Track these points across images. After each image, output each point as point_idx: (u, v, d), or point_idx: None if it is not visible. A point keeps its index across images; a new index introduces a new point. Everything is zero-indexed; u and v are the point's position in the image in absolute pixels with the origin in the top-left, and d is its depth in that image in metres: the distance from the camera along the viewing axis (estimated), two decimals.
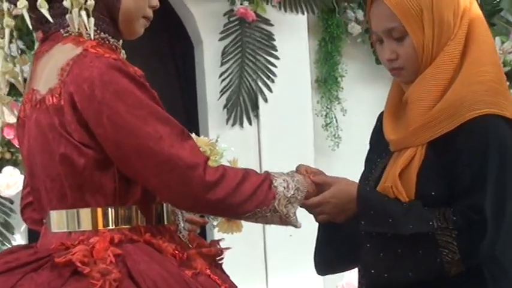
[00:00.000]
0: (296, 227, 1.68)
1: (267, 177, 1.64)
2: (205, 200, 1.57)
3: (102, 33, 1.63)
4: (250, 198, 1.60)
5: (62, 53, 1.60)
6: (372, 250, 1.65)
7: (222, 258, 1.69)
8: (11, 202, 3.18)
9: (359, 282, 1.79)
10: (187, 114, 3.67)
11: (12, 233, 3.20)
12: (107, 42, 1.64)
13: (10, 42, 1.69)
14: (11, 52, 1.71)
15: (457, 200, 1.66)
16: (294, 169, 1.82)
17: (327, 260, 1.85)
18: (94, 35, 1.60)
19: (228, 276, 1.68)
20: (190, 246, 1.68)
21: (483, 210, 1.63)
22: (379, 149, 1.81)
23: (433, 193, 1.67)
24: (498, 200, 1.66)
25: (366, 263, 1.67)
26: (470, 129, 1.67)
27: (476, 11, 1.79)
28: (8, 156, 3.12)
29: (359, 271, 1.79)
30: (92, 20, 1.60)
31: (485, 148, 1.67)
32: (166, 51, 3.83)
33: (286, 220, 1.65)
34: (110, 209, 1.59)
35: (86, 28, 1.59)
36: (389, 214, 1.65)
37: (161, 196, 1.61)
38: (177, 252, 1.60)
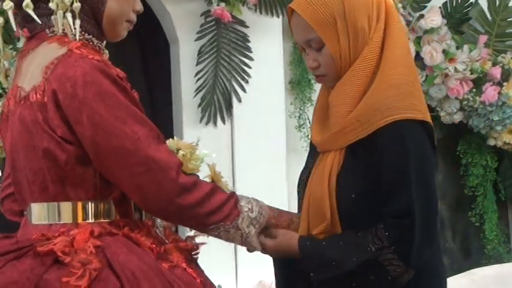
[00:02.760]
0: (255, 249, 1.73)
1: (234, 195, 1.70)
2: (175, 203, 1.61)
3: (86, 34, 1.68)
4: (217, 211, 1.65)
5: (47, 52, 1.64)
6: None
7: (197, 253, 1.74)
8: None
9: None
10: (161, 112, 3.70)
11: None
12: (91, 43, 1.68)
13: None
14: None
15: (382, 209, 1.69)
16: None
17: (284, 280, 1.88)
18: (79, 36, 1.64)
19: (202, 271, 1.74)
20: (166, 241, 1.72)
21: (411, 212, 1.67)
22: (312, 150, 1.87)
23: (353, 195, 1.71)
24: (422, 203, 1.68)
25: None
26: (386, 135, 1.70)
27: (393, 12, 1.80)
28: None
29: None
30: (78, 21, 1.64)
31: (402, 153, 1.69)
32: (140, 48, 3.86)
33: (247, 240, 1.70)
34: (90, 203, 1.63)
35: (71, 29, 1.64)
36: (330, 258, 1.69)
37: (133, 197, 1.64)
38: (154, 245, 1.65)
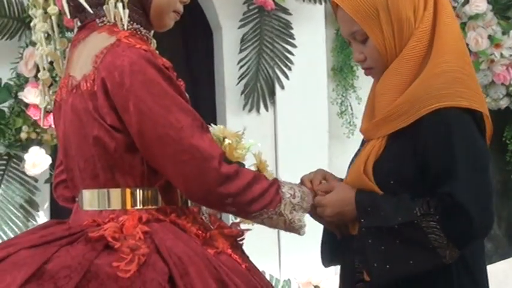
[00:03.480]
0: (299, 234, 1.75)
1: (276, 182, 1.72)
2: (217, 192, 1.63)
3: (134, 24, 1.71)
4: (258, 199, 1.67)
5: (97, 42, 1.68)
6: (373, 245, 1.69)
7: (242, 239, 1.77)
8: (36, 180, 3.25)
9: (343, 281, 1.84)
10: (204, 100, 3.74)
11: (37, 210, 3.27)
12: (139, 32, 1.71)
13: (52, 27, 1.77)
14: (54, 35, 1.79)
15: (433, 188, 1.69)
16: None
17: (331, 252, 1.90)
18: (127, 26, 1.68)
19: (247, 257, 1.77)
20: (212, 227, 1.75)
21: (454, 196, 1.66)
22: (363, 138, 1.88)
23: (391, 182, 1.71)
24: (474, 185, 1.67)
25: (369, 258, 1.70)
26: (429, 124, 1.69)
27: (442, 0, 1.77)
28: (33, 136, 3.17)
29: (344, 269, 1.84)
30: (127, 11, 1.67)
31: (448, 140, 1.68)
32: (184, 36, 3.89)
33: (291, 225, 1.72)
34: (138, 190, 1.67)
35: (121, 19, 1.67)
36: (381, 209, 1.70)
37: (176, 185, 1.67)
38: (200, 232, 1.68)
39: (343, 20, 1.80)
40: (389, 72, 1.76)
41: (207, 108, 3.66)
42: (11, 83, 3.22)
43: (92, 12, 1.71)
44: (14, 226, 3.20)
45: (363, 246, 1.71)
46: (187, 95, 1.72)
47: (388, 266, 1.69)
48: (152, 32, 1.80)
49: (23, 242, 1.63)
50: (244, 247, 1.80)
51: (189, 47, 3.88)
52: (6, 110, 3.22)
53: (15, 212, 3.23)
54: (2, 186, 3.24)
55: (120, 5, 1.67)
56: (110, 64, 1.63)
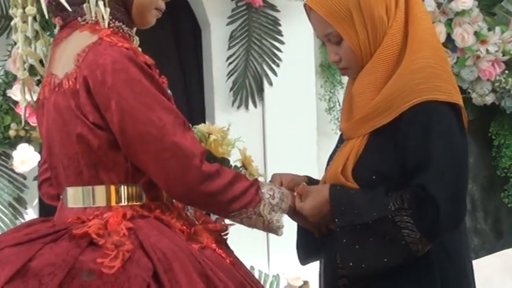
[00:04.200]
0: (277, 234, 1.76)
1: (256, 182, 1.74)
2: (198, 190, 1.64)
3: (116, 22, 1.71)
4: (239, 198, 1.68)
5: (79, 40, 1.68)
6: (348, 244, 1.70)
7: (226, 234, 1.78)
8: (24, 178, 3.25)
9: (325, 276, 1.85)
10: (193, 96, 3.74)
11: (25, 208, 3.27)
12: (121, 30, 1.72)
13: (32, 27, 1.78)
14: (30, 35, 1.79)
15: (409, 182, 1.69)
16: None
17: (307, 250, 1.91)
18: (109, 24, 1.68)
19: (232, 251, 1.78)
20: (197, 222, 1.77)
21: (425, 188, 1.66)
22: (341, 137, 1.89)
23: (373, 177, 1.72)
24: (447, 177, 1.67)
25: (344, 257, 1.72)
26: (410, 117, 1.69)
27: None
28: (22, 133, 3.17)
29: (325, 265, 1.85)
30: (108, 10, 1.68)
31: (427, 131, 1.68)
32: (173, 33, 3.89)
33: (269, 226, 1.73)
34: (122, 187, 1.68)
35: (102, 17, 1.68)
36: (355, 205, 1.71)
37: (158, 182, 1.68)
38: (184, 227, 1.69)
39: (317, 22, 1.80)
40: (366, 71, 1.76)
41: (196, 104, 3.67)
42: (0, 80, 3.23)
43: (71, 10, 1.71)
44: (1, 224, 3.20)
45: (338, 245, 1.72)
46: (169, 92, 1.73)
47: (363, 265, 1.70)
48: (135, 29, 1.80)
49: (7, 240, 1.64)
50: (232, 242, 1.81)
51: (179, 43, 3.88)
52: None
53: (3, 209, 3.23)
54: None
55: (101, 3, 1.68)
56: (92, 62, 1.64)
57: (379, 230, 1.69)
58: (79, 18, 1.72)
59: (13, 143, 3.20)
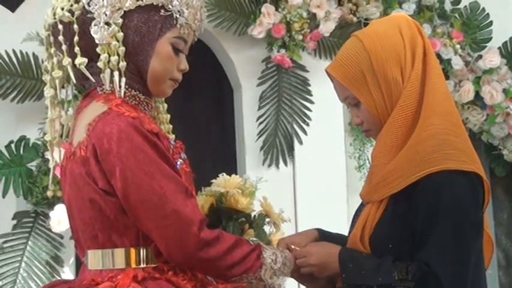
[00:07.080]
0: None
1: (257, 247, 1.77)
2: (196, 256, 1.70)
3: (133, 91, 1.79)
4: (239, 264, 1.73)
5: (93, 110, 1.77)
6: None
7: None
8: (61, 237, 3.34)
9: None
10: (227, 155, 3.82)
11: (62, 266, 3.35)
12: (138, 99, 1.79)
13: (62, 88, 1.84)
14: (66, 96, 1.87)
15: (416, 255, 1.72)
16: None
17: None
18: (125, 93, 1.76)
19: None
20: (214, 283, 1.81)
21: (428, 264, 1.68)
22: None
23: (390, 245, 1.73)
24: (452, 257, 1.68)
25: None
26: (422, 189, 1.70)
27: (430, 57, 1.76)
28: (59, 194, 3.24)
29: None
30: (124, 79, 1.75)
31: (435, 206, 1.69)
32: (207, 93, 4.00)
33: None
34: (135, 250, 1.74)
35: (117, 86, 1.75)
36: (362, 268, 1.74)
37: (159, 247, 1.72)
38: None
39: (336, 87, 1.85)
40: (382, 134, 1.78)
41: (228, 163, 3.74)
42: (39, 142, 3.33)
43: (93, 80, 1.79)
44: (39, 281, 3.28)
45: None
46: (184, 156, 1.80)
47: None
48: (153, 98, 1.86)
49: None
50: None
51: (213, 105, 3.97)
52: (34, 168, 3.33)
53: (41, 268, 3.30)
54: (30, 242, 3.32)
55: (116, 73, 1.75)
56: (100, 131, 1.71)
57: None
58: (98, 88, 1.80)
59: (51, 203, 3.29)
